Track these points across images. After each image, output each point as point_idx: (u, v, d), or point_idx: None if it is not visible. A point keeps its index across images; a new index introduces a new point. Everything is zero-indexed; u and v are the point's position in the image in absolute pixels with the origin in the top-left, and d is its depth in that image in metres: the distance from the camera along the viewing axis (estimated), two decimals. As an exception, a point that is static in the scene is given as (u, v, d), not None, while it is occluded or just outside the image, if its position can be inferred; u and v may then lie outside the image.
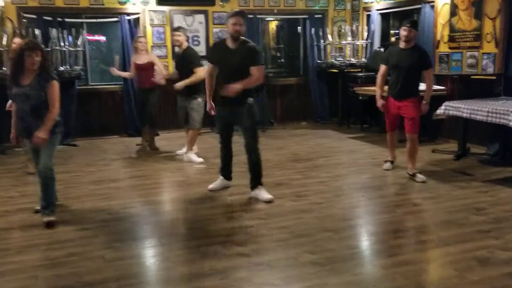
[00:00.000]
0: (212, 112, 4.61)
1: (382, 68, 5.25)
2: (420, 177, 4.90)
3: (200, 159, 5.90)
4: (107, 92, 7.95)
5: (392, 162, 5.44)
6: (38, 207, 3.95)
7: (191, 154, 5.96)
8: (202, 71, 5.42)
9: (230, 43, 4.27)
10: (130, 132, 7.88)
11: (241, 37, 4.26)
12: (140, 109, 6.89)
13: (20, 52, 3.70)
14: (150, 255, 3.35)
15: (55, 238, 3.56)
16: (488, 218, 3.82)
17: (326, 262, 3.10)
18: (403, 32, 4.91)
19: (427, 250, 3.29)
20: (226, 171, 4.72)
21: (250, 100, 4.32)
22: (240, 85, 4.13)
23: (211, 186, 4.71)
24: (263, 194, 4.39)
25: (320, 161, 5.93)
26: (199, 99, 5.78)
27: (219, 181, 4.74)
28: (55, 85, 3.78)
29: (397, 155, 5.44)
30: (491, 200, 4.28)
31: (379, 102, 5.23)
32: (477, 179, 4.96)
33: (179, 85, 5.76)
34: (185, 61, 5.78)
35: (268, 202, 4.30)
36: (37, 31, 6.82)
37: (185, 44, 5.83)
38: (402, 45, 4.99)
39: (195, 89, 5.75)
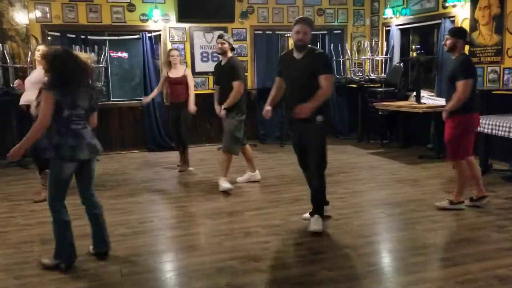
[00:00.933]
0: (269, 115, 4.13)
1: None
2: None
3: (230, 186, 5.23)
4: (128, 107, 8.08)
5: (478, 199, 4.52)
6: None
7: (222, 181, 5.25)
8: (240, 86, 5.13)
9: (295, 53, 3.94)
10: (149, 147, 7.97)
11: (308, 46, 3.91)
12: (174, 125, 6.41)
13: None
14: (166, 269, 3.36)
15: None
16: (510, 236, 3.73)
17: (343, 279, 3.06)
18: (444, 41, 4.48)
19: (446, 268, 3.21)
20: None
21: (320, 118, 3.80)
22: (311, 104, 3.71)
23: (305, 215, 4.18)
24: (314, 224, 3.94)
25: (339, 177, 5.89)
26: (237, 118, 5.22)
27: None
28: (44, 94, 3.18)
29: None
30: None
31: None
32: (499, 196, 4.85)
33: (222, 113, 5.23)
34: (227, 72, 5.24)
35: (315, 233, 3.87)
36: (61, 49, 7.00)
37: (229, 54, 5.33)
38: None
39: (233, 107, 5.21)
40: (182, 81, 6.29)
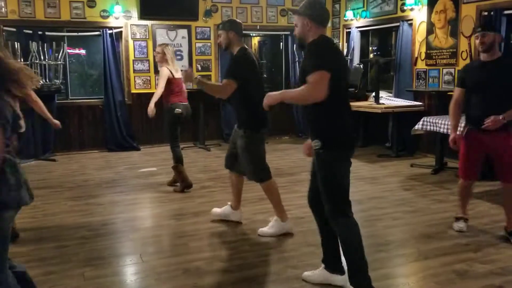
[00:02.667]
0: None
1: (457, 91, 3.86)
2: None
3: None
4: (87, 106, 7.88)
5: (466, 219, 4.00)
6: None
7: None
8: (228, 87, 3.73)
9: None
10: (110, 146, 7.81)
11: None
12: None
13: None
14: (131, 272, 3.30)
15: (33, 256, 3.49)
16: (466, 232, 3.89)
17: (308, 277, 3.11)
18: (476, 40, 3.64)
19: (407, 263, 3.33)
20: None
21: (318, 144, 2.71)
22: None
23: (306, 274, 3.07)
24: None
25: (302, 175, 5.96)
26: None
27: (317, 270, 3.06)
28: None
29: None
30: (469, 214, 4.35)
31: (452, 136, 3.88)
32: (454, 193, 5.01)
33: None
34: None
35: None
36: (16, 45, 6.75)
37: (236, 46, 3.86)
38: (482, 57, 3.66)
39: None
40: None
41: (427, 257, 3.40)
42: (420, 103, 6.92)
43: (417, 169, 6.18)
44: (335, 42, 3.14)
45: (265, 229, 3.90)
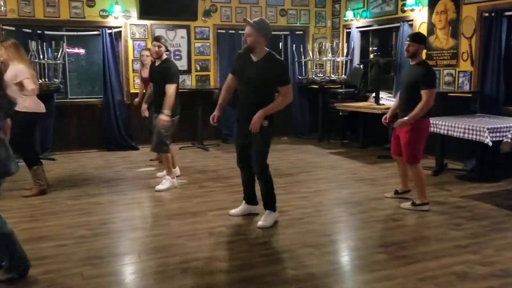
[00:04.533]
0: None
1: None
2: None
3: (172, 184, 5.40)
4: (87, 105, 7.86)
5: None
6: None
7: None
8: (175, 88, 5.17)
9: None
10: (109, 146, 7.79)
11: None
12: (148, 123, 6.34)
13: None
14: (129, 271, 3.29)
15: (31, 255, 3.43)
16: (466, 233, 3.88)
17: (307, 278, 3.10)
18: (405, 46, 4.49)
19: (407, 265, 3.31)
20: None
21: (265, 122, 3.98)
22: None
23: (232, 211, 4.41)
24: (265, 219, 4.11)
25: (301, 176, 5.96)
26: (172, 118, 5.24)
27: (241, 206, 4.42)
28: None
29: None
30: (469, 216, 4.35)
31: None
32: (454, 194, 5.05)
33: (146, 113, 5.87)
34: (160, 74, 5.25)
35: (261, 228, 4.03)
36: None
37: (164, 56, 5.29)
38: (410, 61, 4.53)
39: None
40: None
41: (426, 259, 3.39)
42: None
43: (417, 170, 6.15)
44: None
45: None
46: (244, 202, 4.40)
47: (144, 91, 6.65)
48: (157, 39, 5.28)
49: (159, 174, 5.82)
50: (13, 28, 7.15)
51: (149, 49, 6.69)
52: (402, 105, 4.55)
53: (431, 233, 3.91)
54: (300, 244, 3.68)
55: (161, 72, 5.20)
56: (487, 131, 4.82)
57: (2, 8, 7.04)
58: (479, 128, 4.90)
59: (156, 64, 5.32)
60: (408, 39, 4.46)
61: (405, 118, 4.34)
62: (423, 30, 6.88)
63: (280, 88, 3.94)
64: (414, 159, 4.48)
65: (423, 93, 4.27)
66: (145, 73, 6.52)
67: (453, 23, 6.43)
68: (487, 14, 5.98)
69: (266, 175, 4.09)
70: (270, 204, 4.17)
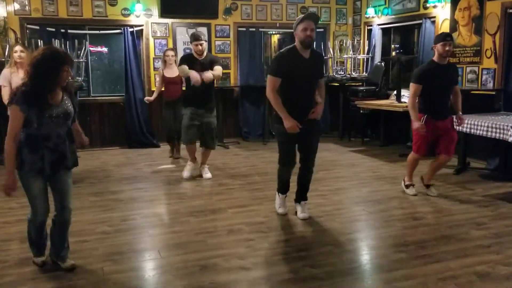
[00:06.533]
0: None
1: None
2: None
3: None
4: (109, 103, 7.98)
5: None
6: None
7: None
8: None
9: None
10: (130, 143, 7.89)
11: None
12: (170, 122, 6.76)
13: (57, 65, 2.87)
14: (149, 268, 3.33)
15: (54, 249, 3.55)
16: (489, 233, 3.81)
17: (326, 276, 3.09)
18: (449, 47, 4.53)
19: (427, 264, 3.27)
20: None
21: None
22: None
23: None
24: (306, 210, 4.31)
25: (320, 174, 5.92)
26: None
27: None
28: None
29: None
30: (492, 215, 4.27)
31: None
32: (477, 193, 4.96)
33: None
34: (208, 66, 5.45)
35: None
36: (40, 42, 6.87)
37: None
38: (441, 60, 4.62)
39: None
40: (177, 80, 6.55)
41: (447, 258, 3.34)
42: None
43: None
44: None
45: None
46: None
47: (163, 89, 6.78)
48: (197, 38, 5.32)
49: (205, 169, 5.86)
50: (37, 27, 7.30)
51: (173, 49, 6.88)
52: (445, 104, 4.75)
53: (452, 233, 3.85)
54: (319, 243, 3.67)
55: (209, 63, 5.42)
56: (511, 129, 4.72)
57: (27, 7, 7.19)
58: (503, 126, 4.80)
59: (201, 59, 5.40)
60: (448, 38, 4.56)
61: (461, 114, 4.84)
62: (446, 27, 6.77)
63: (321, 80, 4.10)
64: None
65: (458, 89, 4.81)
66: (168, 72, 6.63)
67: (477, 20, 6.31)
68: (511, 11, 5.85)
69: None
70: (305, 194, 4.35)
